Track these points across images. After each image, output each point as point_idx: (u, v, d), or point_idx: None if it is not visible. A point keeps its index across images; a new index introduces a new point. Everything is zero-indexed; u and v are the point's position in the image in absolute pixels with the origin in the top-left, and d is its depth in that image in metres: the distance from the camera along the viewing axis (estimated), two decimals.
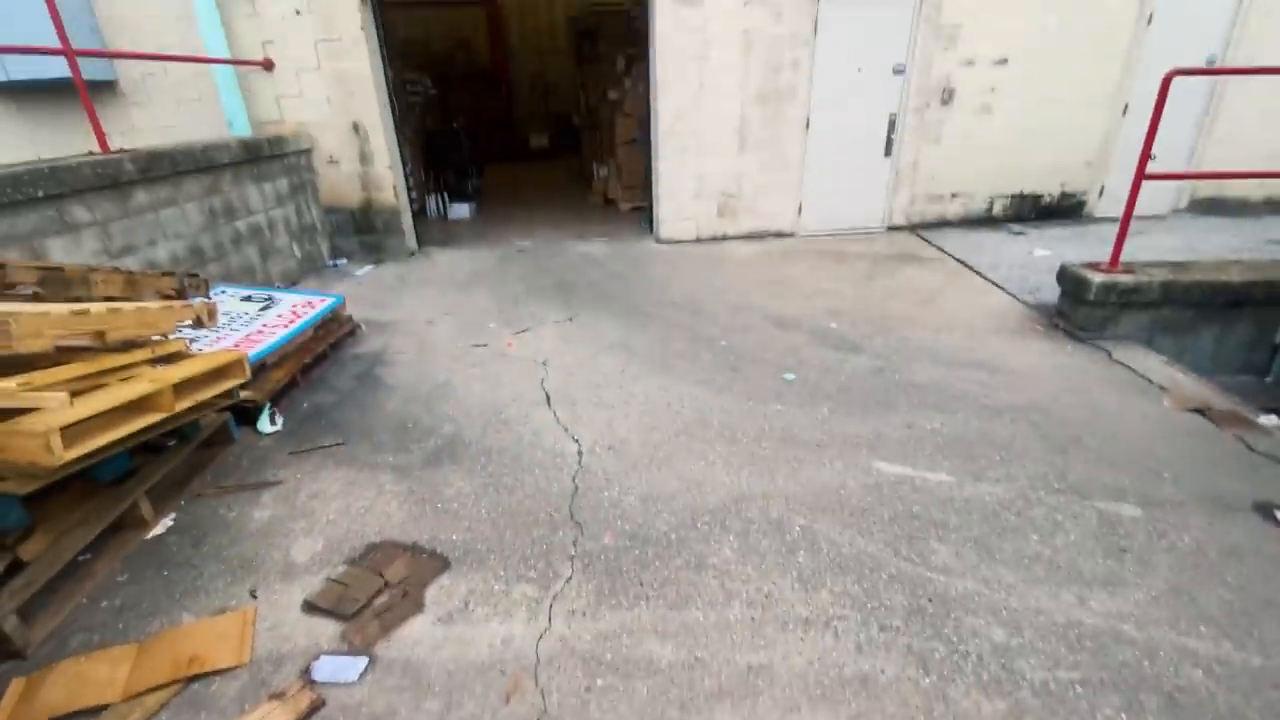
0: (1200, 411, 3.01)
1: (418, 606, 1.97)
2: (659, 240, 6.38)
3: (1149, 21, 6.12)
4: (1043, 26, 6.02)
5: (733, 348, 3.85)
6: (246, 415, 3.02)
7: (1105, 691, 1.66)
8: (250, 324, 3.49)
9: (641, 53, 6.53)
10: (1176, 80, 3.44)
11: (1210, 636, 1.81)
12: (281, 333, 3.41)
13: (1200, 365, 3.76)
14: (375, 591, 2.02)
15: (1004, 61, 6.14)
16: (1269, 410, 3.05)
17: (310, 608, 1.97)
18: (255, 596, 2.02)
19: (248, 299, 3.85)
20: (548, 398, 3.26)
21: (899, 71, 6.02)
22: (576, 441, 2.84)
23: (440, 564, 2.15)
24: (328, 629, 1.89)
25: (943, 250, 5.87)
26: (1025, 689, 1.67)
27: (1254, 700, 1.62)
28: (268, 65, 5.32)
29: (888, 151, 6.31)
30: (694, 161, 6.09)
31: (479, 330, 4.20)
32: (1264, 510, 2.33)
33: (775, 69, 5.85)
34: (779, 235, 6.50)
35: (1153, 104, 3.55)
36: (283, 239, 5.23)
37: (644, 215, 7.17)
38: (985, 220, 6.81)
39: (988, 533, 2.24)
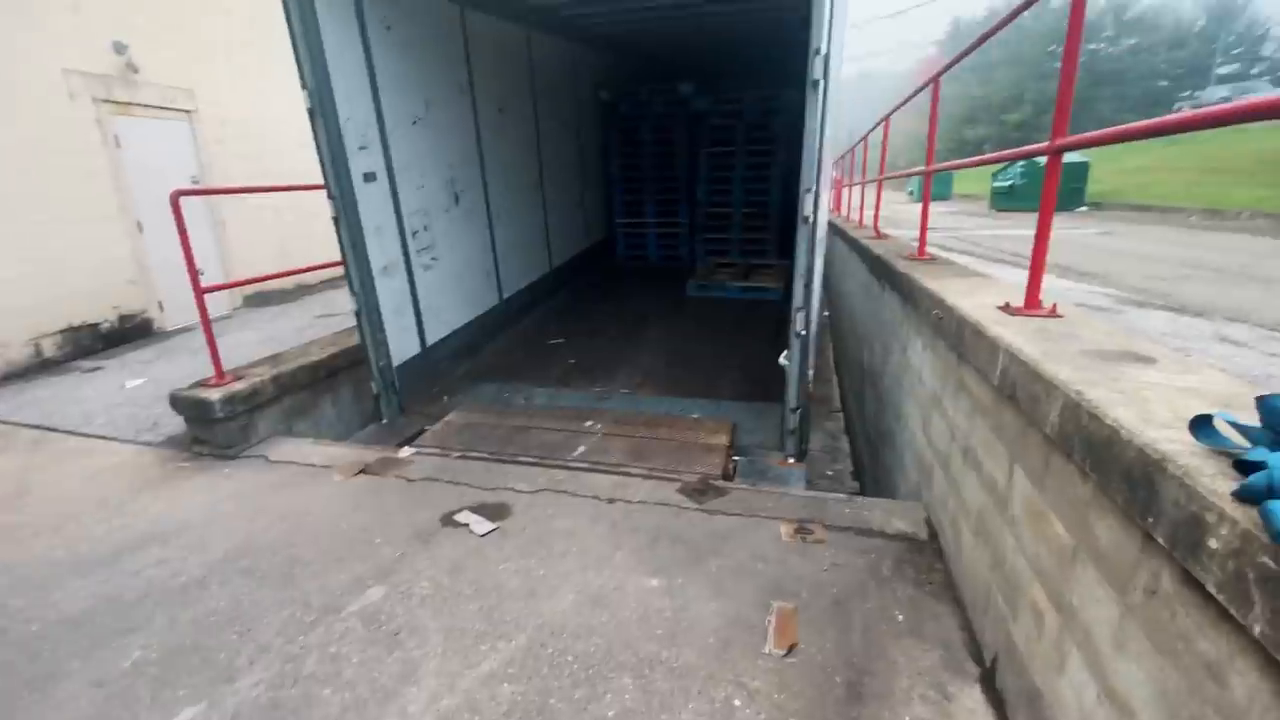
0: (364, 471, 3.45)
1: None
2: None
3: (117, 144, 6.10)
4: None
5: None
6: None
7: None
8: None
9: None
10: (188, 199, 3.53)
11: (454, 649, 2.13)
12: None
13: (334, 432, 4.32)
14: None
15: None
16: (400, 445, 3.83)
17: None
18: None
19: None
20: None
21: None
22: None
23: None
24: None
25: (3, 421, 4.28)
26: None
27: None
28: None
29: None
30: None
31: None
32: (447, 520, 2.92)
33: None
34: None
35: (165, 223, 3.54)
36: None
37: None
38: (41, 367, 5.42)
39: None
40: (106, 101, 6.03)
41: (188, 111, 7.00)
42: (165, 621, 2.30)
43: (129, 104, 6.27)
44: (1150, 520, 1.07)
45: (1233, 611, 0.88)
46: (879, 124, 6.13)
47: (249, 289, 7.92)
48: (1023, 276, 2.30)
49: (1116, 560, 1.24)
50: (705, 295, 7.46)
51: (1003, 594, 1.88)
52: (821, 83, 2.72)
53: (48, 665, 2.13)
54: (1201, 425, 1.03)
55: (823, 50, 2.67)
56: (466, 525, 2.86)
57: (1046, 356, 1.64)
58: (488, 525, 2.86)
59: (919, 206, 3.96)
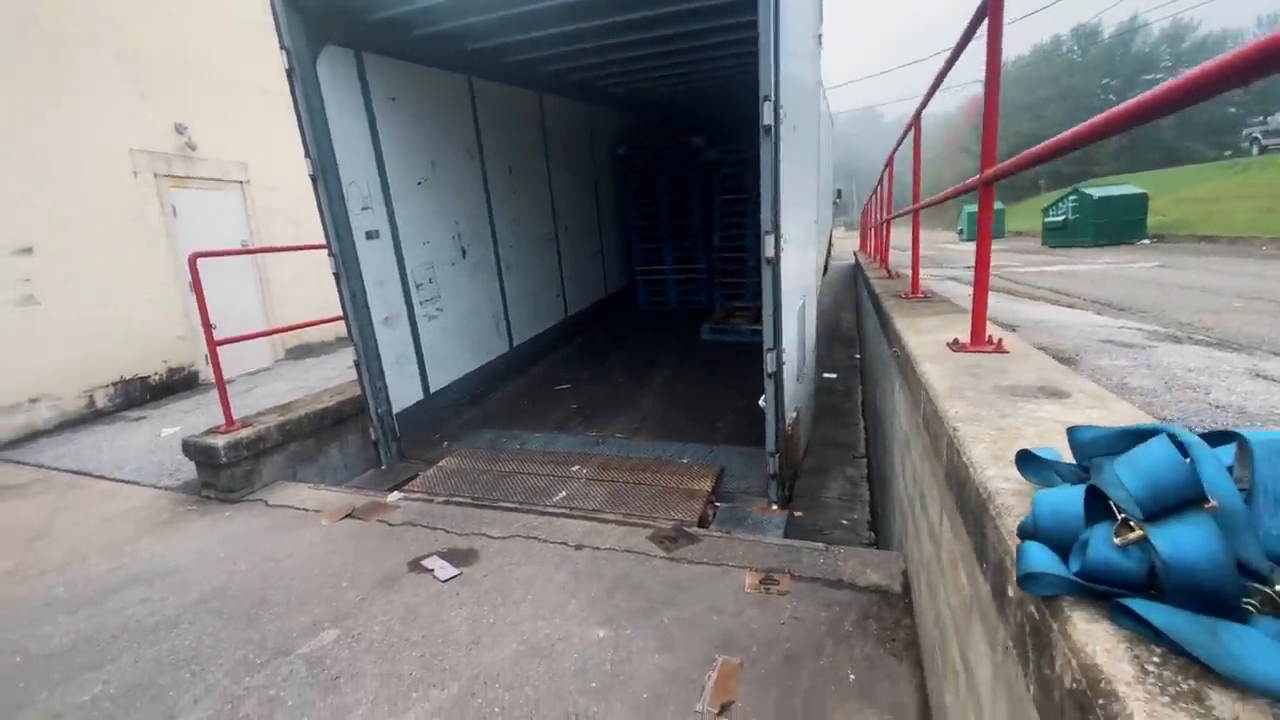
0: (350, 515, 3.54)
1: None
2: None
3: (174, 214, 6.72)
4: (63, 220, 5.65)
5: None
6: None
7: None
8: None
9: None
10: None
11: (417, 690, 2.11)
12: None
13: (338, 477, 4.46)
14: None
15: (29, 250, 5.40)
16: (390, 490, 3.92)
17: None
18: None
19: None
20: None
21: None
22: None
23: None
24: None
25: (43, 466, 4.65)
26: None
27: None
28: None
29: None
30: None
31: None
32: (415, 565, 2.95)
33: None
34: None
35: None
36: None
37: None
38: (93, 416, 5.87)
39: None
40: (167, 176, 6.69)
41: (240, 182, 7.67)
42: (130, 659, 2.40)
43: (186, 178, 6.94)
44: (984, 565, 1.00)
45: (1024, 671, 0.80)
46: (885, 166, 6.11)
47: (291, 342, 8.42)
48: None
49: (988, 611, 1.15)
50: (719, 339, 7.43)
51: (941, 651, 1.74)
52: (773, 127, 2.76)
53: (19, 696, 2.24)
54: (1029, 461, 0.96)
55: (771, 96, 2.72)
56: (431, 571, 2.88)
57: (952, 393, 1.56)
58: (451, 571, 2.87)
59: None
